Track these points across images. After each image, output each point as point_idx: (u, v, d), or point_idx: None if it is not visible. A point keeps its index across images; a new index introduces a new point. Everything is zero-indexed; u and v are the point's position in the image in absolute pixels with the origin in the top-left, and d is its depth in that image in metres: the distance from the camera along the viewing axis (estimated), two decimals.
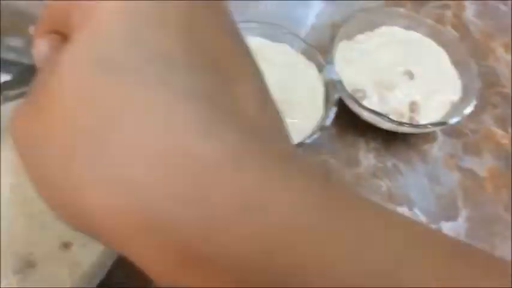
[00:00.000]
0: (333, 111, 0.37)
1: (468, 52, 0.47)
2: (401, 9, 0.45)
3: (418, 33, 0.44)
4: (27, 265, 0.25)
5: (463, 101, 0.41)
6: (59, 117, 0.13)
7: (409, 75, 0.41)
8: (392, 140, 0.41)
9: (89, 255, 0.26)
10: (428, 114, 0.40)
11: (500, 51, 0.49)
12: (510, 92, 0.47)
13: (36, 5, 0.28)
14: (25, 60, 0.28)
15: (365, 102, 0.39)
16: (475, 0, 0.53)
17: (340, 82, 0.39)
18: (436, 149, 0.42)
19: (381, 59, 0.42)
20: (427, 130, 0.40)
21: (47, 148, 0.14)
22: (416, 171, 0.41)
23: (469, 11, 0.52)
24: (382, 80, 0.40)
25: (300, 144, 0.36)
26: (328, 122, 0.37)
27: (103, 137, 0.13)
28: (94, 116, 0.13)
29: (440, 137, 0.43)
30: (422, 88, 0.41)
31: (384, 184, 0.40)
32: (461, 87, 0.42)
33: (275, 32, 0.41)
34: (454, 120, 0.39)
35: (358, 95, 0.39)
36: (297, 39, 0.41)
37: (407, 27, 0.44)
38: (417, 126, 0.39)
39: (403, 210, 0.39)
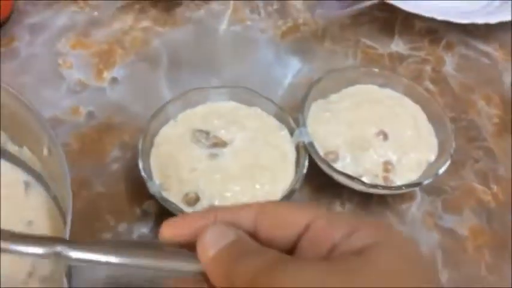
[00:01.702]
0: (303, 174, 0.37)
1: (447, 107, 0.47)
2: (376, 68, 0.46)
3: (393, 91, 0.45)
4: None
5: (439, 159, 0.40)
6: None
7: (383, 135, 0.41)
8: (369, 200, 0.41)
9: None
10: (404, 174, 0.40)
11: (481, 104, 0.49)
12: (491, 145, 0.46)
13: None
14: None
15: (338, 164, 0.39)
16: (455, 53, 0.53)
17: (311, 144, 0.39)
18: (415, 208, 0.41)
19: (354, 118, 0.42)
20: (401, 191, 0.39)
21: None
22: None
23: (449, 65, 0.52)
24: (355, 141, 0.40)
25: None
26: (298, 185, 0.37)
27: None
28: None
29: (419, 196, 0.42)
30: (397, 147, 0.40)
31: None
32: (438, 145, 0.41)
33: (247, 95, 0.42)
34: (427, 181, 0.38)
35: (330, 157, 0.39)
36: (269, 102, 0.41)
37: (383, 85, 0.45)
38: (390, 188, 0.38)
39: None
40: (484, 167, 0.44)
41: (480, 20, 0.51)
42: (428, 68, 0.51)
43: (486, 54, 0.53)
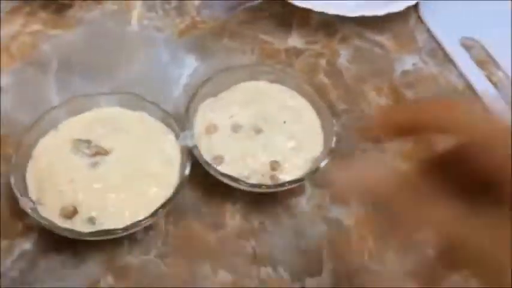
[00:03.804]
0: (186, 178, 0.37)
1: (340, 99, 0.49)
2: (267, 64, 0.46)
3: (283, 87, 0.45)
4: None
5: (323, 154, 0.41)
6: None
7: (269, 133, 0.42)
8: (261, 197, 0.42)
9: None
10: (291, 171, 0.41)
11: (372, 94, 0.51)
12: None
13: None
14: None
15: (223, 166, 0.40)
16: (350, 46, 0.55)
17: (196, 148, 0.39)
18: (304, 202, 0.43)
19: (241, 116, 0.42)
20: (285, 188, 0.40)
21: None
22: (283, 228, 0.41)
23: (344, 57, 0.53)
24: (240, 141, 0.41)
25: (154, 214, 0.36)
26: (180, 189, 0.37)
27: None
28: None
29: (309, 189, 0.43)
30: (284, 145, 0.41)
31: (248, 245, 0.40)
32: (323, 139, 0.43)
33: (134, 100, 0.41)
34: (307, 175, 0.39)
35: (217, 160, 0.40)
36: (155, 106, 0.41)
37: (274, 81, 0.45)
38: (274, 186, 0.39)
39: (267, 271, 0.39)
40: (372, 157, 0.46)
41: (368, 13, 0.52)
42: (323, 61, 0.53)
43: (379, 45, 0.55)
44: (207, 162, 0.39)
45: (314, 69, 0.52)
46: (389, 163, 0.46)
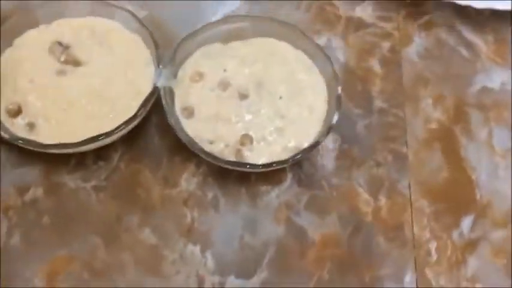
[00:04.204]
0: (145, 111, 0.33)
1: (381, 96, 0.40)
2: (302, 33, 0.38)
3: (307, 57, 0.38)
4: None
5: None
6: None
7: (256, 103, 0.35)
8: (230, 170, 0.36)
9: None
10: (263, 153, 0.34)
11: (427, 102, 0.40)
12: (409, 154, 0.38)
13: None
14: None
15: (190, 121, 0.35)
16: (430, 35, 0.43)
17: (167, 90, 0.34)
18: (275, 194, 0.36)
19: (234, 75, 0.36)
20: (243, 169, 0.34)
21: None
22: (236, 212, 0.35)
23: (414, 47, 0.43)
24: (220, 101, 0.35)
25: (96, 138, 0.32)
26: (130, 127, 0.33)
27: None
28: None
29: (288, 183, 0.37)
30: (268, 122, 0.35)
31: (189, 215, 0.35)
32: (318, 134, 0.35)
33: (134, 22, 0.37)
34: (278, 163, 0.33)
35: (184, 112, 0.35)
36: (149, 34, 0.36)
37: (298, 48, 0.38)
38: (231, 163, 0.33)
39: (194, 250, 0.34)
40: (384, 174, 0.37)
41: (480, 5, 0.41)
42: (386, 44, 0.43)
43: (470, 46, 0.43)
44: (170, 111, 0.34)
45: (370, 51, 0.42)
46: None
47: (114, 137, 0.34)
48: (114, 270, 0.33)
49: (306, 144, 0.34)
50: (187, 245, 0.34)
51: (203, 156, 0.33)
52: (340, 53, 0.42)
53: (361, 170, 0.37)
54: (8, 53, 0.36)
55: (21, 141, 0.32)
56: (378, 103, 0.40)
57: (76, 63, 0.35)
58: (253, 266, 0.34)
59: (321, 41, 0.42)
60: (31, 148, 0.33)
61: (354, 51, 0.42)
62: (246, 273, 0.33)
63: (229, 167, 0.33)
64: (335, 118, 0.34)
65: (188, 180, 0.36)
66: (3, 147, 0.36)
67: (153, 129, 0.38)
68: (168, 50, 0.36)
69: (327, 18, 0.44)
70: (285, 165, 0.34)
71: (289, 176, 0.37)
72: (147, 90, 0.35)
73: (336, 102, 0.35)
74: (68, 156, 0.36)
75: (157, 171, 0.36)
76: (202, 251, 0.34)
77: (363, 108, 0.40)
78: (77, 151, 0.34)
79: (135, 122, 0.34)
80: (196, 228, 0.35)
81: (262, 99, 0.35)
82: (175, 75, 0.36)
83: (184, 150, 0.37)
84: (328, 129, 0.34)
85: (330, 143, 0.38)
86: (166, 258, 0.34)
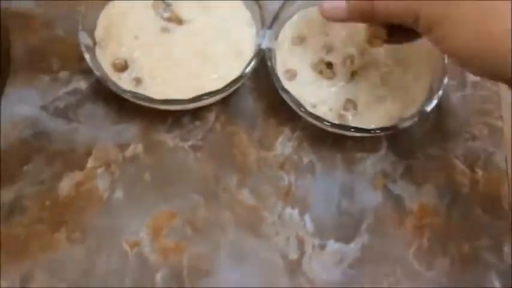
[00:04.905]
0: (247, 75, 0.33)
1: None
2: None
3: None
4: None
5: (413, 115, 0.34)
6: None
7: (363, 68, 0.35)
8: (324, 135, 0.36)
9: None
10: (367, 119, 0.34)
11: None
12: (505, 127, 0.38)
13: None
14: None
15: (292, 84, 0.34)
16: None
17: (270, 51, 0.34)
18: (370, 162, 0.36)
19: (338, 39, 0.36)
20: (347, 133, 0.34)
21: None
22: (332, 177, 0.35)
23: None
24: (321, 63, 0.35)
25: (197, 99, 0.32)
26: (233, 88, 0.33)
27: None
28: None
29: (383, 151, 0.36)
30: (369, 89, 0.34)
31: (286, 179, 0.35)
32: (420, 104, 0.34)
33: None
34: (382, 130, 0.32)
35: (287, 74, 0.34)
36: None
37: None
38: (336, 126, 0.33)
39: (292, 213, 0.34)
40: (480, 147, 0.37)
41: None
42: None
43: None
44: (274, 73, 0.34)
45: None
46: None
47: (218, 97, 0.34)
48: (216, 228, 0.33)
49: (408, 114, 0.34)
50: (286, 208, 0.34)
51: (308, 118, 0.33)
52: None
53: (457, 142, 0.37)
54: (110, 5, 0.35)
55: (129, 94, 0.32)
56: (472, 76, 0.39)
57: (178, 21, 0.35)
58: (352, 231, 0.34)
59: None
60: (138, 102, 0.33)
61: None
62: (345, 237, 0.34)
63: (336, 130, 0.33)
64: (442, 86, 0.33)
65: (283, 144, 0.36)
66: (102, 104, 0.36)
67: (247, 91, 0.37)
68: (267, 12, 0.36)
69: None
70: (389, 132, 0.34)
71: (384, 144, 0.36)
72: (248, 51, 0.35)
73: (441, 72, 0.34)
74: (165, 115, 0.36)
75: (252, 134, 0.36)
76: (301, 214, 0.34)
77: (456, 80, 0.39)
78: (183, 108, 0.34)
79: (240, 82, 0.33)
80: (293, 192, 0.35)
81: (367, 66, 0.35)
82: (276, 38, 0.35)
83: (279, 114, 0.37)
84: (430, 99, 0.33)
85: None
86: (266, 220, 0.34)
